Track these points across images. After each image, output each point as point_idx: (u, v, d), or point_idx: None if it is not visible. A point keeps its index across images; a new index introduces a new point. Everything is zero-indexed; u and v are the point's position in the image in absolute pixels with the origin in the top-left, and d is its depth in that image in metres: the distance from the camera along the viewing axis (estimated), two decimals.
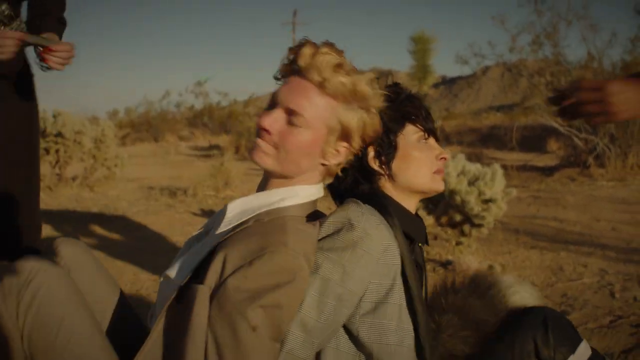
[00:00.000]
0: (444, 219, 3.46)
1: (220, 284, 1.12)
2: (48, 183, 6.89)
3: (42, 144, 9.09)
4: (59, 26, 2.01)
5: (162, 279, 1.30)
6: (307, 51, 1.19)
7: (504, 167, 8.86)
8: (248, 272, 1.11)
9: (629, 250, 3.88)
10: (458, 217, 3.40)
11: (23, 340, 1.17)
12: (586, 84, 1.29)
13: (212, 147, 16.72)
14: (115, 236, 4.54)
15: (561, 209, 5.68)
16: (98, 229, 4.75)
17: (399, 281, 1.25)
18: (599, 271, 3.37)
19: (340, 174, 1.34)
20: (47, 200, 6.05)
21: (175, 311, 1.17)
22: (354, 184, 1.39)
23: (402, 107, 1.36)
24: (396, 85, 1.41)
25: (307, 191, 1.27)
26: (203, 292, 1.13)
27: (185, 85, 29.15)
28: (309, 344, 1.18)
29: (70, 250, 1.36)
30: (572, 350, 1.34)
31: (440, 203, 3.44)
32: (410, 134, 1.37)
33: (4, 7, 1.75)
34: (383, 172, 1.38)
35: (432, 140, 1.42)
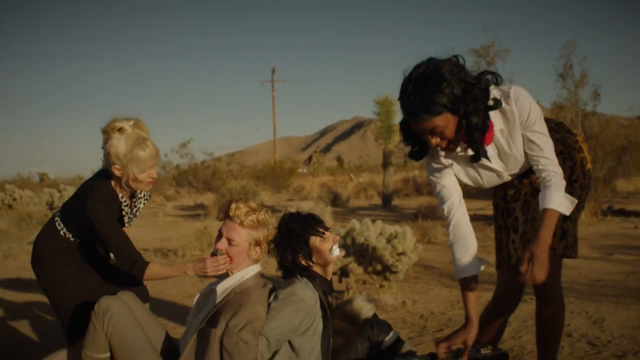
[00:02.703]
0: (370, 268, 4.68)
1: (225, 327, 2.32)
2: None
3: (49, 215, 10.28)
4: None
5: (188, 322, 2.52)
6: (232, 206, 2.43)
7: None
8: (237, 316, 2.30)
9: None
10: (379, 267, 4.63)
11: (107, 337, 2.38)
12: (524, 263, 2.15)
13: (197, 206, 17.85)
14: None
15: (484, 253, 6.90)
16: None
17: (318, 319, 2.47)
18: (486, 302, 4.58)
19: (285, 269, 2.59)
20: None
21: (199, 340, 2.37)
22: (302, 272, 2.56)
23: (303, 233, 2.55)
24: (292, 216, 2.63)
25: (250, 269, 2.50)
26: (216, 333, 2.33)
27: (171, 147, 30.11)
28: (268, 347, 2.38)
29: (129, 298, 2.57)
30: (387, 335, 2.57)
31: (367, 256, 4.67)
32: (313, 239, 2.57)
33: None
34: (307, 264, 2.57)
35: (327, 233, 2.64)
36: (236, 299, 2.38)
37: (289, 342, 2.42)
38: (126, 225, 2.91)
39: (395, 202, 16.73)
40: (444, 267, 6.14)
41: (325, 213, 11.19)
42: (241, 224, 2.44)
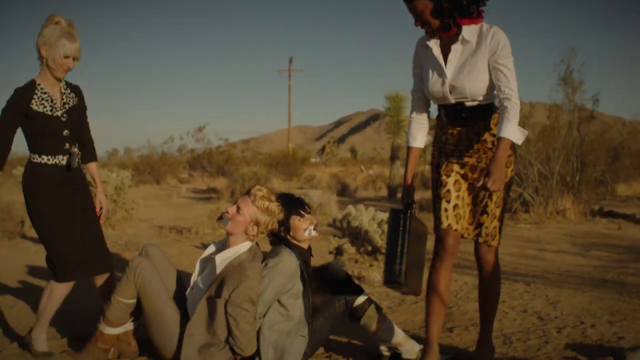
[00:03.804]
0: (362, 249, 5.30)
1: (229, 297, 2.94)
2: None
3: None
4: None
5: (193, 283, 3.16)
6: (256, 186, 3.03)
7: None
8: (238, 291, 2.92)
9: None
10: (370, 248, 5.26)
11: (136, 287, 3.02)
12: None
13: (209, 189, 18.51)
14: None
15: (473, 244, 7.49)
16: (129, 256, 6.59)
17: (298, 282, 3.09)
18: (455, 282, 5.19)
19: (271, 237, 3.21)
20: None
21: (208, 307, 2.99)
22: (280, 241, 3.22)
23: (289, 213, 3.17)
24: (282, 195, 3.25)
25: (244, 245, 3.08)
26: (221, 302, 2.95)
27: (187, 130, 30.75)
28: (264, 306, 3.02)
29: (154, 250, 3.21)
30: (359, 296, 3.20)
31: (359, 238, 5.29)
32: (293, 218, 3.19)
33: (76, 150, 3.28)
34: (285, 236, 3.20)
35: (306, 216, 3.25)
36: (235, 272, 2.97)
37: (278, 300, 3.06)
38: (53, 113, 3.26)
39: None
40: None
41: (331, 202, 11.82)
42: (253, 201, 3.00)
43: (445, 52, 2.92)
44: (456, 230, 2.98)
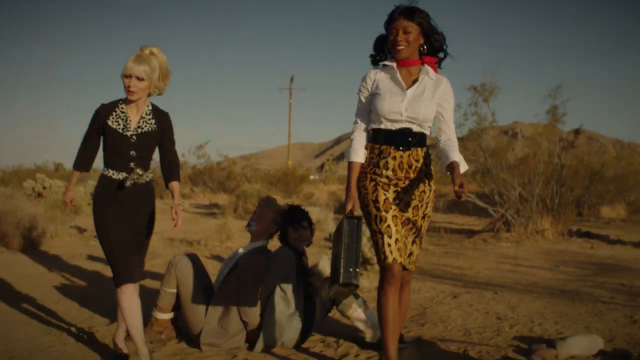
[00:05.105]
0: None
1: (241, 270, 3.84)
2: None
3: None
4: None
5: (219, 272, 4.01)
6: (266, 198, 3.96)
7: (439, 229, 11.57)
8: (247, 263, 3.82)
9: (470, 282, 6.52)
10: (360, 259, 6.07)
11: (176, 279, 3.88)
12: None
13: (212, 205, 19.27)
14: (157, 269, 7.15)
15: (456, 259, 8.32)
16: (146, 264, 7.39)
17: (295, 274, 3.95)
18: (434, 290, 5.99)
19: (279, 239, 4.10)
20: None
21: (225, 282, 3.88)
22: (285, 241, 4.11)
23: (284, 222, 4.09)
24: (289, 207, 4.13)
25: (262, 242, 4.04)
26: (236, 275, 3.83)
27: (189, 147, 31.38)
28: (267, 286, 3.88)
29: (189, 257, 4.05)
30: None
31: None
32: (290, 228, 4.09)
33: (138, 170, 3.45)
34: (285, 239, 4.09)
35: (299, 229, 4.10)
36: (249, 255, 3.96)
37: (280, 286, 3.91)
38: (124, 132, 3.46)
39: None
40: (420, 265, 7.54)
41: (328, 219, 12.61)
42: (268, 207, 4.06)
43: (405, 80, 3.24)
44: (400, 263, 3.14)
